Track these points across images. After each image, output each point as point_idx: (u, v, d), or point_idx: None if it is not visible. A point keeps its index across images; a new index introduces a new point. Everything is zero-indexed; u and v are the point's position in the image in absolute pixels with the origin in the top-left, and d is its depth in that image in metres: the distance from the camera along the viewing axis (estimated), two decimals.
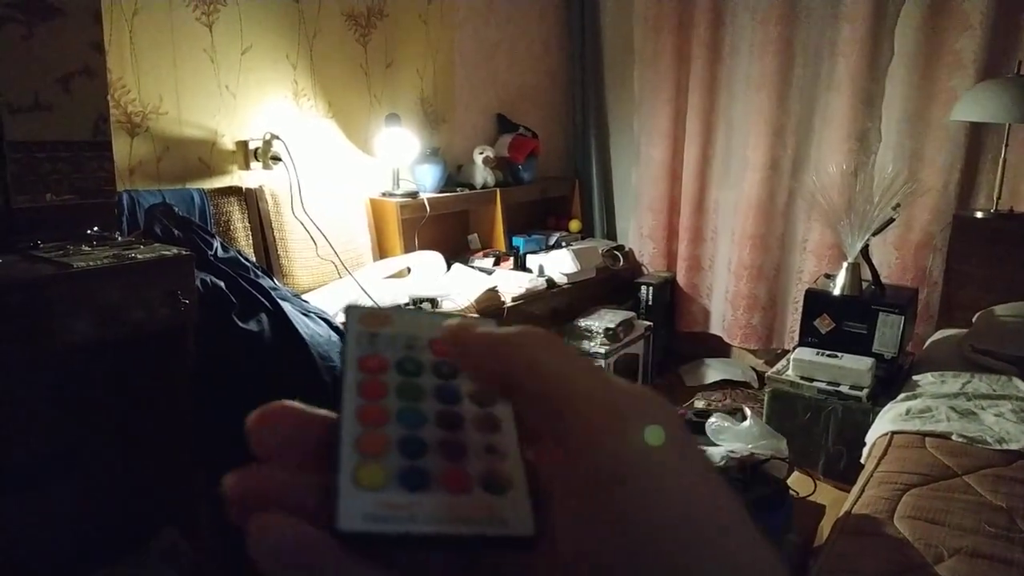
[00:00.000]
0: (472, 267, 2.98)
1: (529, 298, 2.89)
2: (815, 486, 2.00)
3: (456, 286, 2.66)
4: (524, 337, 0.24)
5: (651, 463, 0.21)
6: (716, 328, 3.56)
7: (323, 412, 0.25)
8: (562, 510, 0.22)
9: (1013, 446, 1.82)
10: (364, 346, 0.27)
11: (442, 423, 0.25)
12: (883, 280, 2.62)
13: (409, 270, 2.75)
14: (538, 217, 3.69)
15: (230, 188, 2.43)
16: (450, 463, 0.24)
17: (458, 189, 3.13)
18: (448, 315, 0.28)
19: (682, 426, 0.23)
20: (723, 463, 1.59)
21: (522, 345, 0.24)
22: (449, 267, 2.90)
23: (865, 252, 2.52)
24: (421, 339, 0.27)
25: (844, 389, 2.39)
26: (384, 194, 2.89)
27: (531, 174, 3.42)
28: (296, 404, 0.25)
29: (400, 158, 2.87)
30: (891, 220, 2.48)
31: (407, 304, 2.41)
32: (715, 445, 1.70)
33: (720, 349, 3.63)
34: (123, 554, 1.74)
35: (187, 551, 1.76)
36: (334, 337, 2.01)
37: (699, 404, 2.77)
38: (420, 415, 0.25)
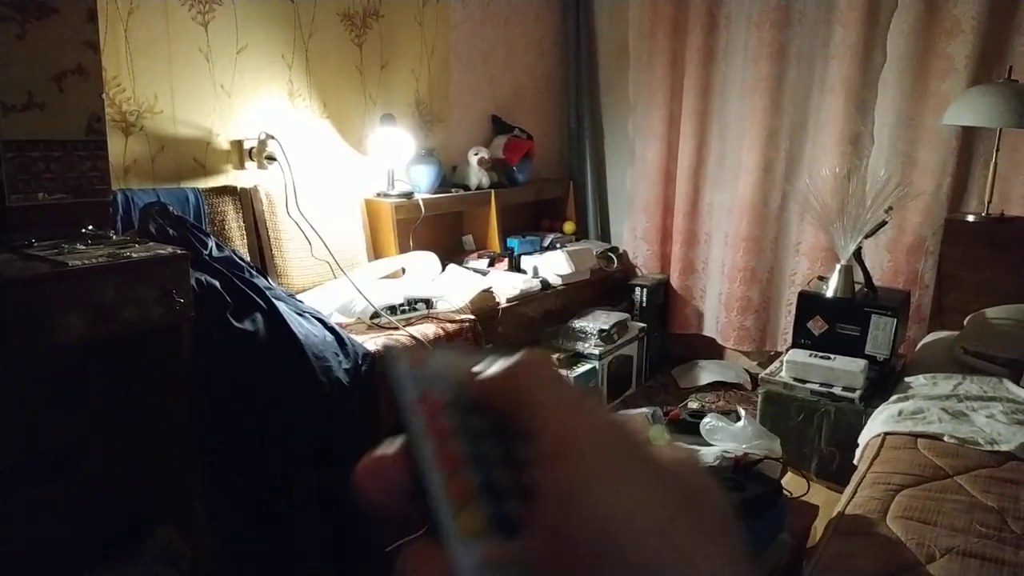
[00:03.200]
0: (467, 268, 2.99)
1: (523, 299, 2.90)
2: (808, 487, 2.01)
3: (450, 287, 2.67)
4: (508, 379, 0.26)
5: (587, 484, 0.22)
6: (710, 330, 3.58)
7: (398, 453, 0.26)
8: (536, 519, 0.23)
9: (1004, 447, 1.84)
10: (416, 385, 0.26)
11: (504, 464, 0.25)
12: (875, 282, 2.64)
13: (404, 271, 2.75)
14: (532, 219, 3.69)
15: (225, 187, 2.42)
16: (527, 505, 0.23)
17: (453, 190, 3.13)
18: (469, 356, 0.28)
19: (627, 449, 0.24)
20: (717, 463, 1.59)
21: (508, 387, 0.25)
22: (444, 268, 2.91)
23: (858, 255, 2.54)
24: (460, 375, 0.27)
25: (837, 391, 2.40)
26: (379, 194, 2.89)
27: (526, 176, 3.43)
28: (383, 455, 0.26)
29: (395, 159, 2.87)
30: (883, 223, 2.49)
31: (402, 304, 2.41)
32: (709, 445, 1.70)
33: (714, 351, 3.64)
34: (119, 553, 1.74)
35: (183, 550, 1.76)
36: (329, 337, 2.01)
37: (693, 405, 2.78)
38: (486, 457, 0.25)
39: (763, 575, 1.54)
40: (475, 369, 0.27)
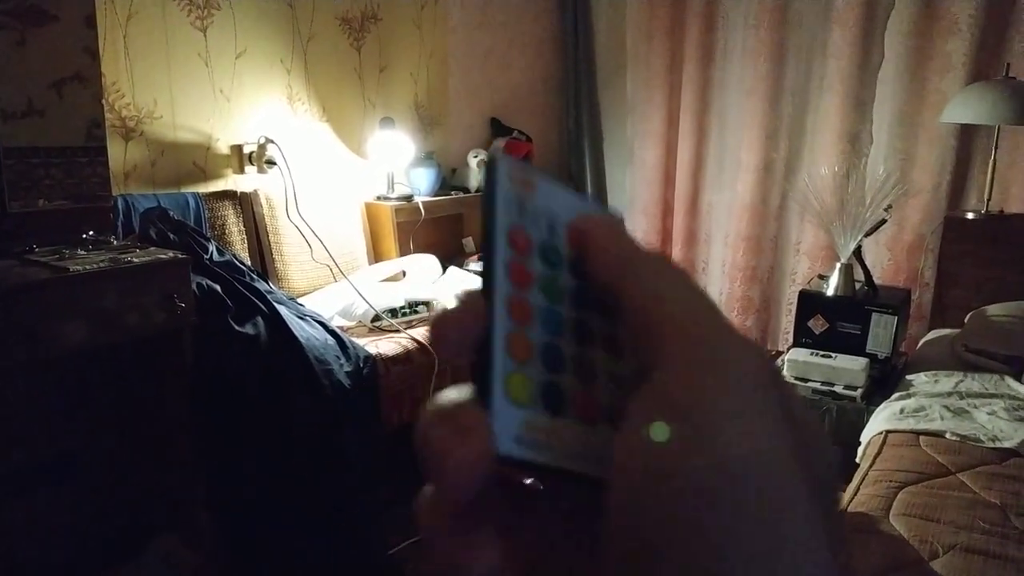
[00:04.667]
0: (467, 270, 2.99)
1: None
2: None
3: (451, 289, 2.67)
4: (640, 263, 0.22)
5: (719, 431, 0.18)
6: None
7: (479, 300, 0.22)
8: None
9: (1006, 444, 1.84)
10: (512, 213, 0.22)
11: (576, 335, 0.22)
12: (876, 281, 2.64)
13: (404, 273, 2.75)
14: None
15: (225, 192, 2.43)
16: (583, 386, 0.22)
17: (452, 192, 3.14)
18: (583, 199, 0.25)
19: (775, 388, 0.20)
20: None
21: (635, 269, 0.22)
22: (444, 270, 2.91)
23: (858, 253, 2.54)
24: (561, 220, 0.23)
25: (839, 389, 2.40)
26: (379, 198, 2.89)
27: None
28: (462, 299, 0.22)
29: (394, 162, 2.87)
30: (883, 221, 2.49)
31: (403, 307, 2.41)
32: None
33: None
34: (121, 560, 1.74)
35: (186, 556, 1.76)
36: (330, 340, 2.01)
37: None
38: (559, 320, 0.22)
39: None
40: (589, 217, 0.23)
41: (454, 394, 0.21)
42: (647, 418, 0.19)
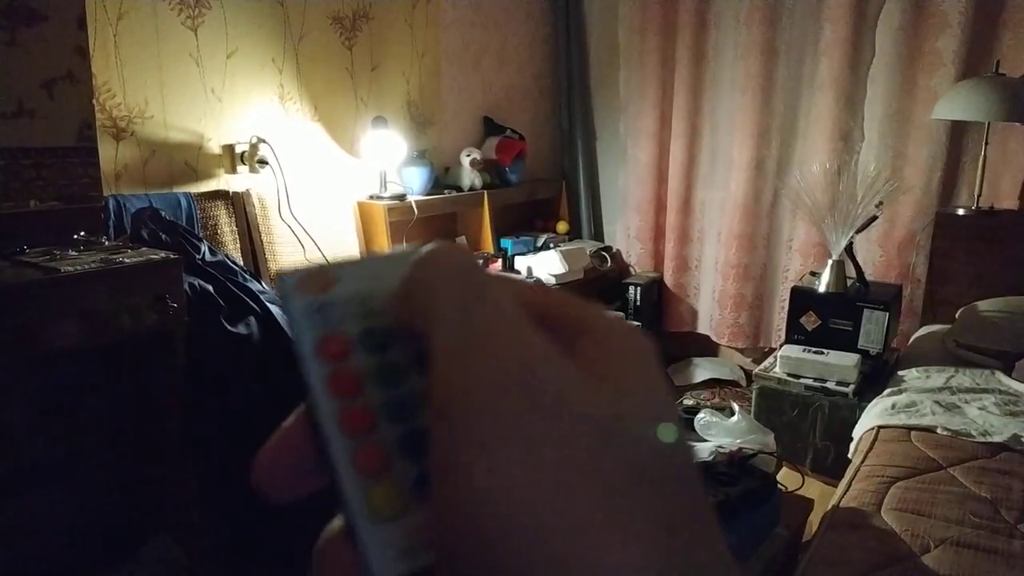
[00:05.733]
0: None
1: None
2: (803, 481, 2.02)
3: None
4: (408, 282, 0.20)
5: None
6: (704, 327, 3.59)
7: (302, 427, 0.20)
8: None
9: (996, 438, 1.85)
10: (316, 324, 0.20)
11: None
12: (867, 277, 2.65)
13: None
14: (526, 219, 3.70)
15: (217, 192, 2.42)
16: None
17: (445, 191, 3.14)
18: (383, 259, 0.22)
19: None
20: (711, 458, 1.60)
21: (409, 292, 0.20)
22: None
23: (849, 250, 2.55)
24: (379, 294, 0.21)
25: (831, 385, 2.41)
26: (371, 197, 2.89)
27: (518, 176, 3.43)
28: (283, 429, 0.20)
29: (387, 161, 2.87)
30: (874, 218, 2.51)
31: None
32: (704, 440, 1.71)
33: (708, 348, 3.65)
34: (115, 561, 1.73)
35: (180, 557, 1.75)
36: None
37: (688, 402, 2.79)
38: (408, 401, 0.20)
39: (758, 570, 1.55)
40: (393, 278, 0.20)
41: (330, 530, 0.19)
42: (435, 486, 0.17)
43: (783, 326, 2.85)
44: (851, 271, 2.60)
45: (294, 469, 0.19)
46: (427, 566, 0.18)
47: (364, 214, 2.87)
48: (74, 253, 1.64)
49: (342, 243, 2.72)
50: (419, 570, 0.18)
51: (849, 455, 2.05)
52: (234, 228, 2.43)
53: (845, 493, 1.69)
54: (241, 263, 2.23)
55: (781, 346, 2.67)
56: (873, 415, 2.09)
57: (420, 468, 0.19)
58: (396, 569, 0.18)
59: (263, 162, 2.50)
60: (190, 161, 2.40)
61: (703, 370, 3.50)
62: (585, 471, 0.16)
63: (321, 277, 0.21)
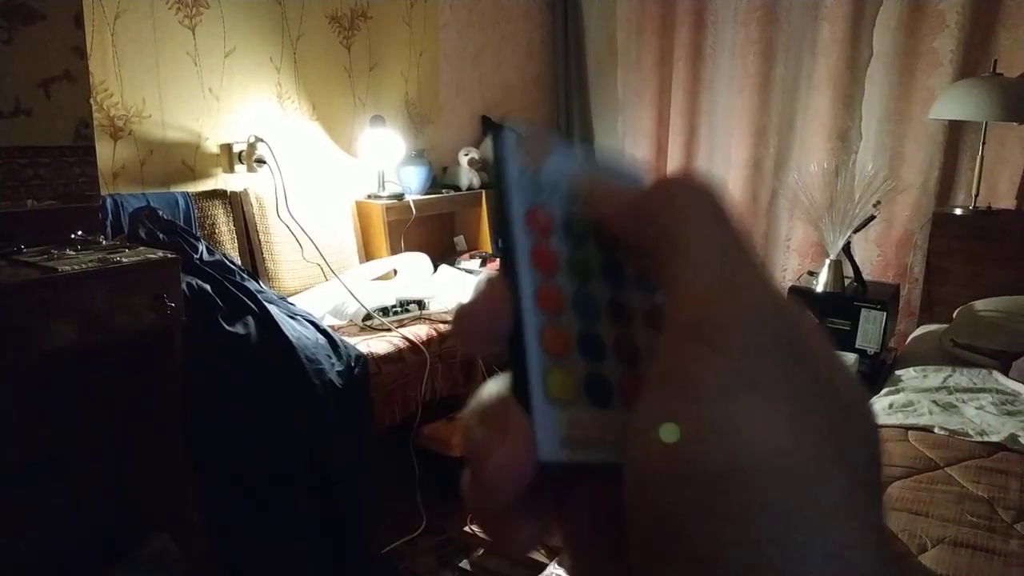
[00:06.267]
0: (459, 268, 2.99)
1: None
2: None
3: (443, 288, 2.67)
4: (649, 200, 0.20)
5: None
6: None
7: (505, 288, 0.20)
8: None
9: (994, 438, 1.85)
10: (528, 191, 0.20)
11: (613, 315, 0.20)
12: (865, 277, 2.65)
13: (395, 272, 2.75)
14: None
15: (214, 191, 2.42)
16: (627, 370, 0.20)
17: (444, 191, 3.14)
18: (603, 160, 0.22)
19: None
20: None
21: (647, 210, 0.20)
22: (435, 269, 2.91)
23: (847, 249, 2.55)
24: (581, 189, 0.21)
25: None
26: (369, 196, 2.88)
27: None
28: (482, 293, 0.20)
29: (385, 160, 2.87)
30: (872, 217, 2.51)
31: (395, 306, 2.40)
32: None
33: None
34: (113, 560, 1.73)
35: (178, 557, 1.75)
36: (321, 339, 2.01)
37: None
38: (593, 303, 0.20)
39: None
40: (606, 179, 0.21)
41: (496, 388, 0.20)
42: (649, 399, 0.18)
43: None
44: (849, 271, 2.60)
45: (487, 325, 0.20)
46: (584, 463, 0.18)
47: (362, 213, 2.87)
48: (71, 253, 1.64)
49: (340, 242, 2.72)
50: (575, 464, 0.18)
51: None
52: (232, 227, 2.42)
53: None
54: (239, 262, 2.23)
55: None
56: None
57: (590, 369, 0.19)
58: (558, 454, 0.18)
59: (261, 161, 2.50)
60: (188, 160, 2.40)
61: None
62: (834, 440, 0.17)
63: (539, 144, 0.21)
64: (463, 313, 0.20)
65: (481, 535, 1.85)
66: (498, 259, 0.21)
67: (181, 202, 2.26)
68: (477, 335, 0.20)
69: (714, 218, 0.19)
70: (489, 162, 3.20)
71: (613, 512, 0.18)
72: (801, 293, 2.62)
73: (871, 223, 2.55)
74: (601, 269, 0.21)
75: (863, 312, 2.49)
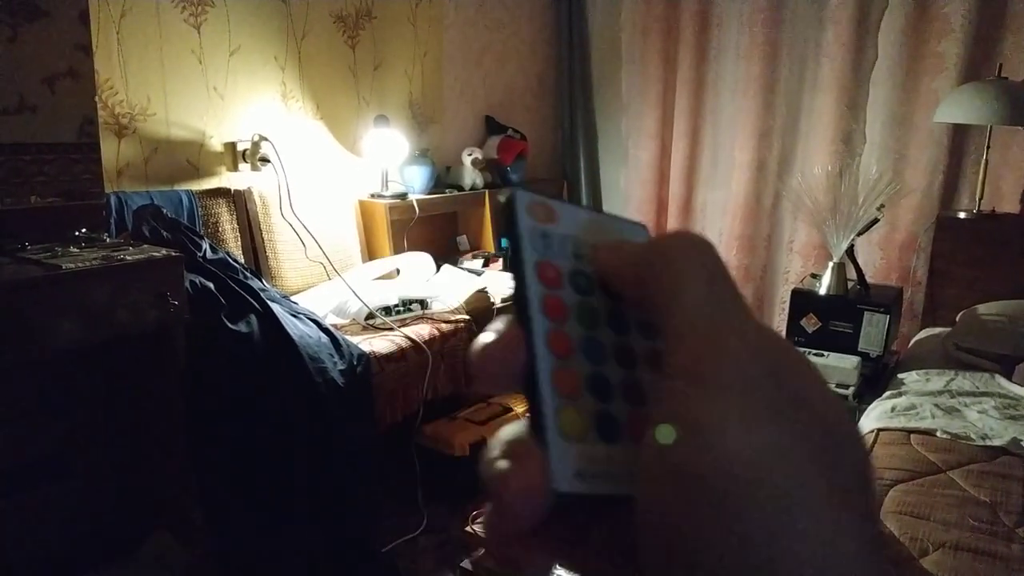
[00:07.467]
0: (461, 268, 2.99)
1: None
2: None
3: (445, 287, 2.67)
4: (650, 256, 0.22)
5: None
6: None
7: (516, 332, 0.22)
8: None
9: (996, 442, 1.85)
10: (538, 247, 0.23)
11: (619, 358, 0.23)
12: (868, 280, 2.65)
13: (398, 271, 2.75)
14: None
15: (218, 190, 2.42)
16: (634, 408, 0.22)
17: (447, 190, 3.14)
18: (606, 218, 0.25)
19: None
20: None
21: (648, 266, 0.22)
22: (438, 268, 2.91)
23: (850, 252, 2.55)
24: (586, 245, 0.24)
25: (831, 387, 2.41)
26: (373, 195, 2.89)
27: (519, 176, 3.43)
28: (500, 332, 0.22)
29: (389, 159, 2.87)
30: (875, 220, 2.51)
31: (397, 305, 2.41)
32: None
33: None
34: (115, 558, 1.73)
35: (180, 554, 1.76)
36: (323, 338, 2.01)
37: None
38: (601, 347, 0.22)
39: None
40: (610, 236, 0.24)
41: (515, 429, 0.22)
42: (657, 424, 0.19)
43: (783, 328, 2.85)
44: (852, 273, 2.60)
45: (501, 366, 0.22)
46: (596, 495, 0.20)
47: (365, 213, 2.87)
48: (75, 250, 1.64)
49: (343, 241, 2.72)
50: (588, 496, 0.20)
51: None
52: (235, 226, 2.43)
53: None
54: (242, 261, 2.23)
55: None
56: (873, 418, 2.08)
57: (600, 408, 0.21)
58: (572, 485, 0.20)
59: (265, 160, 2.50)
60: (192, 158, 2.40)
61: None
62: (816, 456, 0.19)
63: (547, 209, 0.24)
64: (480, 355, 0.22)
65: (482, 534, 1.85)
66: (512, 303, 0.23)
67: (185, 200, 2.27)
68: (493, 375, 0.22)
69: (706, 273, 0.21)
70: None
71: (624, 547, 0.21)
72: (804, 295, 2.62)
73: (875, 226, 2.55)
74: (606, 317, 0.23)
75: (866, 315, 2.48)
